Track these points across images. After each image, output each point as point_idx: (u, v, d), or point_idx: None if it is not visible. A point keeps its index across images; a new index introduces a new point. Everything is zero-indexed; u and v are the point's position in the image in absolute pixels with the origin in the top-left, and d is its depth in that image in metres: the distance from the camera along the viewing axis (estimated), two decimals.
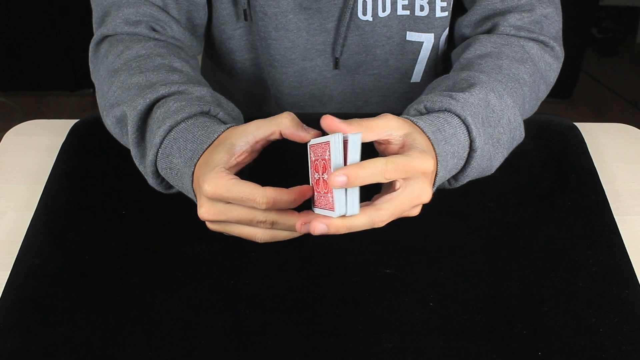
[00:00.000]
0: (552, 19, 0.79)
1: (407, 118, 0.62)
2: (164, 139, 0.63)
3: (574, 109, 2.19)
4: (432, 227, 0.69)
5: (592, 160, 0.78)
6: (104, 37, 0.77)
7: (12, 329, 0.60)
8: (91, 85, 2.22)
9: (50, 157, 0.79)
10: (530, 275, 0.64)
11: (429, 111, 0.65)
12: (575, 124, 0.83)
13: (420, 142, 0.59)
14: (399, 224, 0.69)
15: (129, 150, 0.70)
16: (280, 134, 0.62)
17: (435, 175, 0.61)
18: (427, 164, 0.56)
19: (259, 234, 0.61)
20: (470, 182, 0.70)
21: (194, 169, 0.61)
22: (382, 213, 0.55)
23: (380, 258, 0.66)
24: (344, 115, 0.88)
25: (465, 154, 0.64)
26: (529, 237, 0.68)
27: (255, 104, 0.97)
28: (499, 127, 0.67)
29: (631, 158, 0.82)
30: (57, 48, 2.08)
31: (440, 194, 0.70)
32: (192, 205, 0.68)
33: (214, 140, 0.62)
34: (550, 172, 0.76)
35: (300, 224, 0.57)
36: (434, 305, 0.62)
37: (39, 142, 0.83)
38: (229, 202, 0.59)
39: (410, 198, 0.57)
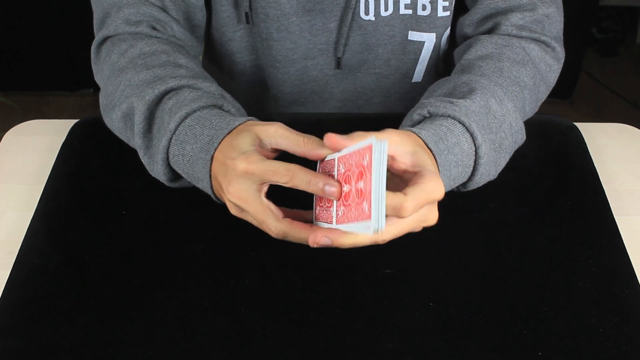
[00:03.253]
0: (553, 18, 0.79)
1: (408, 130, 0.62)
2: (179, 125, 0.64)
3: (574, 109, 2.19)
4: (433, 227, 0.69)
5: (592, 160, 0.78)
6: (105, 38, 0.77)
7: (12, 329, 0.60)
8: (91, 86, 2.24)
9: (50, 157, 0.79)
10: (530, 275, 0.64)
11: (432, 116, 0.65)
12: (575, 124, 0.83)
13: (430, 163, 0.57)
14: None
15: (129, 150, 0.70)
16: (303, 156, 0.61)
17: None
18: (441, 193, 0.55)
19: (273, 233, 0.60)
20: None
21: (214, 153, 0.61)
22: (385, 234, 0.56)
23: (381, 258, 0.66)
24: (346, 115, 0.88)
25: (471, 162, 0.64)
26: (529, 237, 0.68)
27: (254, 105, 0.97)
28: (501, 133, 0.67)
29: (631, 158, 0.81)
30: (57, 48, 2.08)
31: None
32: (192, 205, 0.68)
33: (234, 128, 0.62)
34: (550, 172, 0.76)
35: (315, 241, 0.57)
36: (434, 305, 0.62)
37: (39, 142, 0.83)
38: (255, 192, 0.58)
39: (417, 221, 0.57)
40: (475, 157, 0.64)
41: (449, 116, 0.64)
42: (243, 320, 0.61)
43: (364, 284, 0.64)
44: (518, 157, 0.75)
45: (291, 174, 0.56)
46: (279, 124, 0.61)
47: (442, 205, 0.71)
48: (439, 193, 0.55)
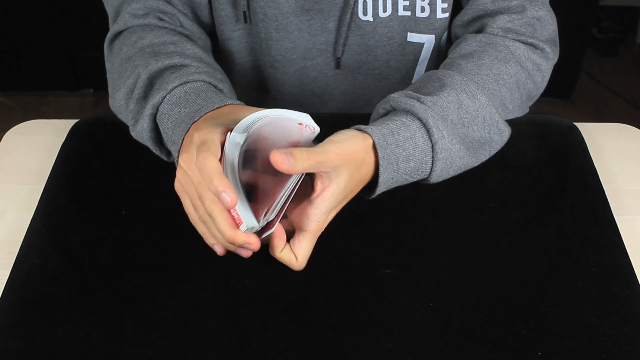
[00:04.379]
0: (545, 21, 0.78)
1: (356, 128, 0.64)
2: (176, 87, 0.67)
3: (574, 109, 2.19)
4: (432, 227, 0.69)
5: (592, 160, 0.78)
6: (117, 34, 0.80)
7: (12, 329, 0.60)
8: (91, 86, 2.23)
9: (50, 157, 0.79)
10: (530, 275, 0.64)
11: (394, 110, 0.67)
12: (575, 124, 0.83)
13: (335, 191, 0.60)
14: (399, 224, 0.69)
15: (129, 150, 0.70)
16: None
17: (378, 179, 0.63)
18: (318, 227, 0.62)
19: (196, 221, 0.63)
20: (471, 182, 0.70)
21: (198, 119, 0.64)
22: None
23: (380, 258, 0.66)
24: (345, 116, 0.88)
25: (428, 158, 0.65)
26: (529, 237, 0.68)
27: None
28: (473, 126, 0.68)
29: (631, 158, 0.81)
30: (57, 48, 2.08)
31: (440, 193, 0.70)
32: None
33: (224, 106, 0.65)
34: (550, 172, 0.76)
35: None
36: (434, 305, 0.62)
37: (39, 142, 0.83)
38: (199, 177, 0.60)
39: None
40: (433, 153, 0.64)
41: (408, 112, 0.65)
42: (243, 320, 0.61)
43: (364, 284, 0.64)
44: (518, 157, 0.75)
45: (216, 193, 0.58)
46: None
47: (443, 205, 0.71)
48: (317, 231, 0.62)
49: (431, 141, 0.64)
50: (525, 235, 0.68)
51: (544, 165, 0.76)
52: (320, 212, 0.61)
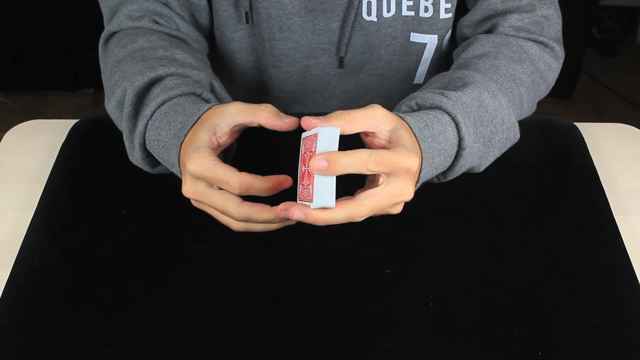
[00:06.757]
0: (552, 20, 0.79)
1: (396, 114, 0.63)
2: (155, 111, 0.65)
3: (574, 108, 2.19)
4: (432, 227, 0.69)
5: (592, 160, 0.78)
6: (111, 34, 0.79)
7: (12, 329, 0.60)
8: (91, 86, 2.23)
9: (50, 157, 0.79)
10: (530, 275, 0.64)
11: (420, 107, 0.66)
12: (575, 124, 0.83)
13: (406, 140, 0.59)
14: (400, 224, 0.69)
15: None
16: (259, 124, 0.63)
17: (420, 172, 0.61)
18: (412, 161, 0.57)
19: (234, 225, 0.62)
20: (470, 182, 0.70)
21: (183, 139, 0.62)
22: (362, 209, 0.56)
23: (380, 258, 0.66)
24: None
25: (454, 152, 0.64)
26: (529, 237, 0.68)
27: None
28: (492, 127, 0.67)
29: (631, 158, 0.81)
30: (57, 48, 2.08)
31: (440, 194, 0.70)
32: (192, 206, 0.68)
33: (202, 114, 0.63)
34: (550, 172, 0.76)
35: (281, 209, 0.58)
36: (434, 305, 0.62)
37: (39, 142, 0.83)
38: (209, 186, 0.60)
39: (391, 195, 0.58)
40: (458, 148, 0.64)
41: (436, 107, 0.64)
42: (243, 320, 0.61)
43: (364, 284, 0.64)
44: (518, 157, 0.75)
45: (245, 188, 0.58)
46: (236, 102, 0.62)
47: (443, 205, 0.71)
48: (409, 162, 0.56)
49: (459, 136, 0.64)
50: (525, 235, 0.68)
51: (544, 165, 0.76)
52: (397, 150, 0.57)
